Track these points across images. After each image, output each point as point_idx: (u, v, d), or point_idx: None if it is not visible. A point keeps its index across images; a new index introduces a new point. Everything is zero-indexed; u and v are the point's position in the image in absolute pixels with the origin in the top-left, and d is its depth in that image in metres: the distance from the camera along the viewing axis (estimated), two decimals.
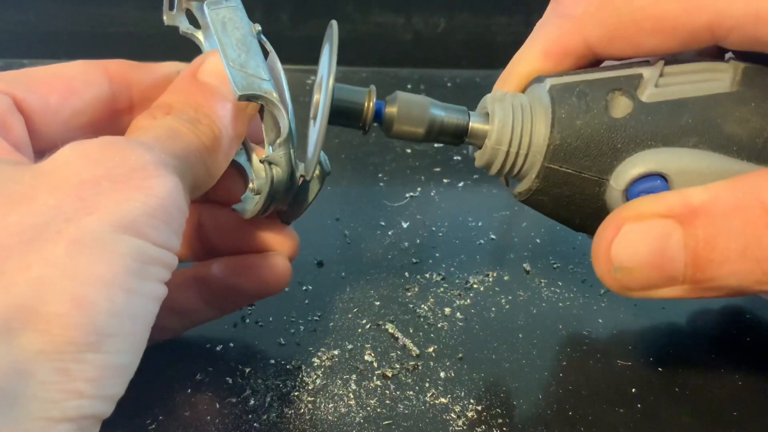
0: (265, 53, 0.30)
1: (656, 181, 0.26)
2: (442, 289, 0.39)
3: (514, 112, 0.28)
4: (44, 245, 0.20)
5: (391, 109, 0.28)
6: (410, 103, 0.28)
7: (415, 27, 0.64)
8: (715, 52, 0.28)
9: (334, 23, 0.27)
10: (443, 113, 0.28)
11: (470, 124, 0.28)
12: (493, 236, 0.44)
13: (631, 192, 0.27)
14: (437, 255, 0.42)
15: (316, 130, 0.27)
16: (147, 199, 0.22)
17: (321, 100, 0.26)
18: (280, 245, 0.32)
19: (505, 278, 0.40)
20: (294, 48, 0.63)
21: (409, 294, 0.39)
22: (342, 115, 0.28)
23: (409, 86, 0.62)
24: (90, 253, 0.20)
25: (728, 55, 0.28)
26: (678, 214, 0.25)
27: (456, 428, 0.31)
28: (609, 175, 0.27)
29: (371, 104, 0.28)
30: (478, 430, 0.31)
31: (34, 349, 0.19)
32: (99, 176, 0.21)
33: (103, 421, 0.22)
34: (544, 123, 0.27)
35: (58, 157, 0.22)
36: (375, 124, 0.29)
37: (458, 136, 0.29)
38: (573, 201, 0.28)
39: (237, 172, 0.32)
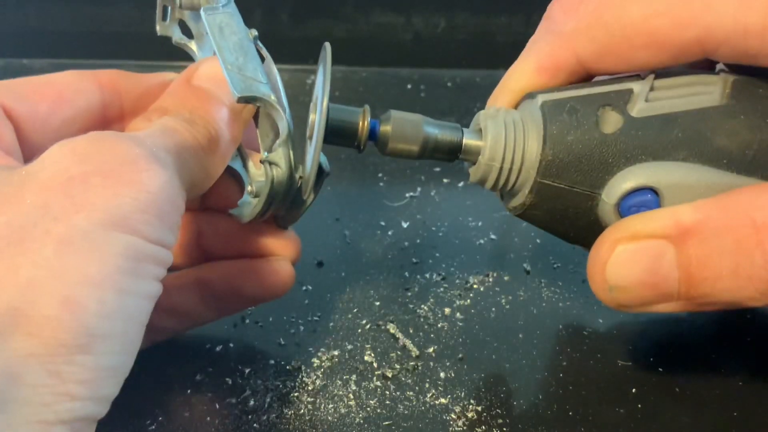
0: (262, 59, 0.30)
1: (647, 196, 0.27)
2: (442, 289, 0.39)
3: (507, 129, 0.28)
4: (33, 246, 0.20)
5: (385, 128, 0.28)
6: (404, 122, 0.28)
7: (415, 27, 0.64)
8: (706, 64, 0.28)
9: (327, 46, 0.28)
10: (437, 131, 0.29)
11: (464, 140, 0.29)
12: (493, 236, 0.44)
13: (622, 206, 0.27)
14: (437, 255, 0.42)
15: (311, 150, 0.28)
16: (138, 194, 0.21)
17: (316, 120, 0.27)
18: (281, 249, 0.32)
19: (505, 278, 0.40)
20: (294, 48, 0.63)
21: (409, 294, 0.39)
22: (337, 134, 0.28)
23: (409, 86, 0.62)
24: (79, 252, 0.20)
25: (719, 65, 0.29)
26: (670, 234, 0.25)
27: (456, 429, 0.31)
28: (601, 189, 0.27)
29: (366, 124, 0.28)
30: (478, 430, 0.31)
31: (24, 353, 0.19)
32: (88, 172, 0.21)
33: (103, 421, 0.22)
34: (536, 139, 0.28)
35: (46, 156, 0.22)
36: (370, 143, 0.29)
37: (452, 153, 0.29)
38: (566, 215, 0.28)
39: (233, 177, 0.32)
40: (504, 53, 0.32)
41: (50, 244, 0.20)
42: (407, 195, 0.48)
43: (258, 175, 0.31)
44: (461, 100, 0.59)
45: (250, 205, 0.31)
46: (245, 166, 0.31)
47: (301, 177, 0.30)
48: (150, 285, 0.22)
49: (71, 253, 0.20)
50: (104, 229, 0.20)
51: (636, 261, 0.26)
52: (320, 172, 0.31)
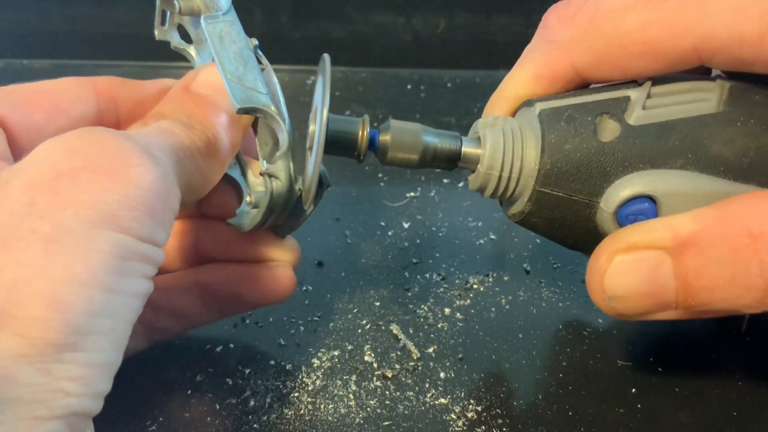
0: (261, 67, 0.30)
1: (644, 204, 0.27)
2: (442, 289, 0.39)
3: (505, 137, 0.28)
4: (18, 246, 0.19)
5: (384, 138, 0.28)
6: (403, 131, 0.29)
7: (415, 27, 0.64)
8: (702, 69, 0.28)
9: (326, 57, 0.28)
10: (436, 139, 0.29)
11: (462, 149, 0.29)
12: (493, 236, 0.44)
13: (620, 214, 0.27)
14: (437, 255, 0.42)
15: (311, 162, 0.27)
16: (127, 189, 0.21)
17: (316, 131, 0.27)
18: (281, 255, 0.32)
19: (505, 278, 0.40)
20: (294, 48, 0.63)
21: (409, 294, 0.39)
22: (337, 145, 0.28)
23: (409, 86, 0.62)
24: (66, 251, 0.20)
25: (715, 71, 0.29)
26: (667, 245, 0.26)
27: (456, 429, 0.31)
28: (599, 197, 0.27)
29: (365, 133, 0.28)
30: (478, 430, 0.31)
31: (13, 353, 0.19)
32: (77, 168, 0.21)
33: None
34: (534, 148, 0.28)
35: (35, 153, 0.22)
36: (370, 152, 0.29)
37: (451, 162, 0.29)
38: (565, 223, 0.28)
39: (230, 186, 0.31)
40: (504, 53, 0.32)
41: (36, 243, 0.19)
42: (407, 195, 0.48)
43: (257, 184, 0.31)
44: (461, 100, 0.59)
45: (249, 215, 0.30)
46: (244, 174, 0.31)
47: (300, 189, 0.30)
48: (139, 283, 0.22)
49: (58, 252, 0.20)
50: (92, 226, 0.20)
51: (634, 271, 0.26)
52: (320, 184, 0.30)
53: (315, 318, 0.37)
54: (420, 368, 0.34)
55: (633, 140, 0.27)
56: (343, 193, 0.48)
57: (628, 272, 0.26)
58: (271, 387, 0.33)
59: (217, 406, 0.32)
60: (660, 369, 0.34)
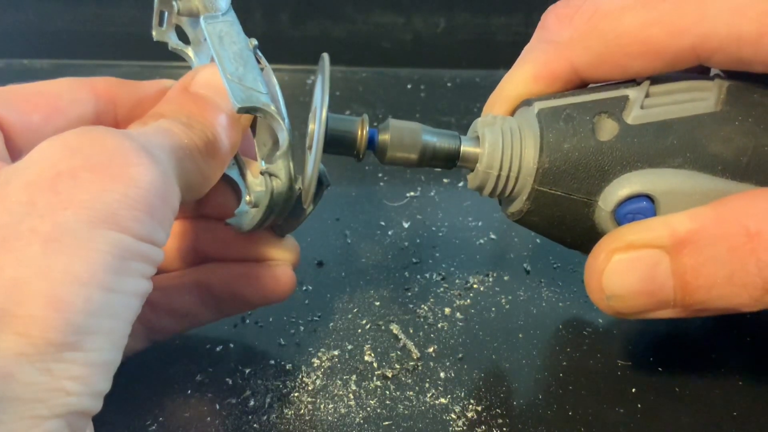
0: (261, 68, 0.30)
1: (642, 203, 0.27)
2: (442, 289, 0.39)
3: (504, 137, 0.28)
4: (17, 245, 0.19)
5: (383, 137, 0.28)
6: (402, 130, 0.29)
7: (415, 27, 0.64)
8: (701, 68, 0.28)
9: (325, 56, 0.28)
10: (435, 138, 0.29)
11: (461, 148, 0.29)
12: (493, 236, 0.44)
13: (618, 213, 0.27)
14: (437, 255, 0.42)
15: (311, 161, 0.28)
16: (127, 189, 0.21)
17: (315, 130, 0.27)
18: (281, 255, 0.32)
19: (505, 278, 0.40)
20: (294, 48, 0.63)
21: (409, 294, 0.39)
22: (336, 144, 0.28)
23: (409, 86, 0.62)
24: (66, 251, 0.20)
25: (714, 70, 0.29)
26: (665, 244, 0.26)
27: (456, 428, 0.31)
28: (597, 196, 0.27)
29: (364, 133, 0.28)
30: (478, 430, 0.31)
31: (13, 352, 0.19)
32: (76, 167, 0.21)
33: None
34: (533, 147, 0.28)
35: (35, 152, 0.22)
36: (369, 151, 0.29)
37: (450, 161, 0.29)
38: (564, 221, 0.28)
39: (229, 186, 0.31)
40: (504, 53, 0.32)
41: (36, 242, 0.20)
42: (407, 195, 0.48)
43: (256, 184, 0.31)
44: (461, 100, 0.59)
45: (248, 214, 0.30)
46: (242, 175, 0.31)
47: (300, 188, 0.30)
48: (138, 283, 0.22)
49: (57, 251, 0.20)
50: (91, 226, 0.20)
51: (632, 270, 0.26)
52: (320, 183, 0.30)
53: (315, 318, 0.37)
54: (420, 368, 0.34)
55: (631, 139, 0.27)
56: (343, 193, 0.48)
57: (626, 271, 0.26)
58: (271, 387, 0.33)
59: (217, 406, 0.32)
60: (660, 369, 0.34)
